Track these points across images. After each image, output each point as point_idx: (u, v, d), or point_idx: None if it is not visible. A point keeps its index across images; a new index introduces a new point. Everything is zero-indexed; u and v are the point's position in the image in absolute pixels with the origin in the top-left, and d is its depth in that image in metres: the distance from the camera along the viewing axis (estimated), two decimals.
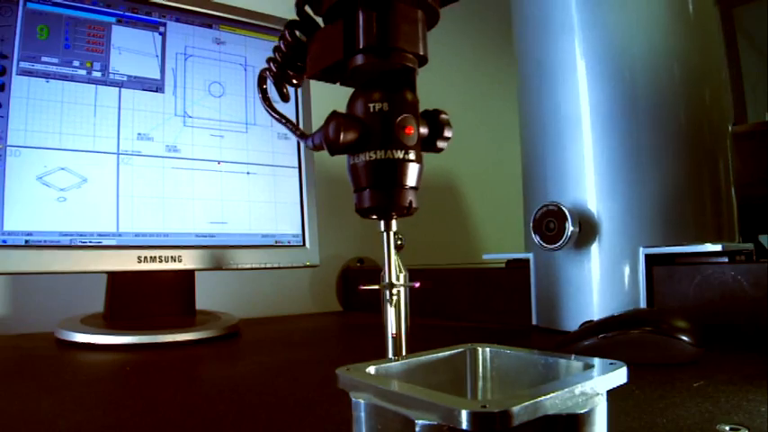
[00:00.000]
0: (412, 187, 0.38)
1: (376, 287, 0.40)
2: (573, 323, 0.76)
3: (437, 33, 0.40)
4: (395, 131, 0.37)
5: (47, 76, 0.74)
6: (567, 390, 0.24)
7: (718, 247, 0.67)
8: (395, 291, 0.39)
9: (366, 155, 0.37)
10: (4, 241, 0.70)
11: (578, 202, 0.76)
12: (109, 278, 0.80)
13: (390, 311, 0.41)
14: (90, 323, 0.76)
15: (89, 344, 0.70)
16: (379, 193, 0.37)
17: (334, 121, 0.37)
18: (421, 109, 0.40)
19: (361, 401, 0.27)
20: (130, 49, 0.80)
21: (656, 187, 0.74)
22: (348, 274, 1.23)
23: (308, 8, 0.41)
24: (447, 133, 0.41)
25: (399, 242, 0.57)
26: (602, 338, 0.55)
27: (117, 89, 0.79)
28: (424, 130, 0.40)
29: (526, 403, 0.22)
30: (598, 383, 0.26)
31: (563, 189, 0.78)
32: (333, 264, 1.22)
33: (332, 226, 1.08)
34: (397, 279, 0.39)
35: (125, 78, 0.79)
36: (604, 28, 0.77)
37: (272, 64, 0.44)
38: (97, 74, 0.78)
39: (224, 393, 0.46)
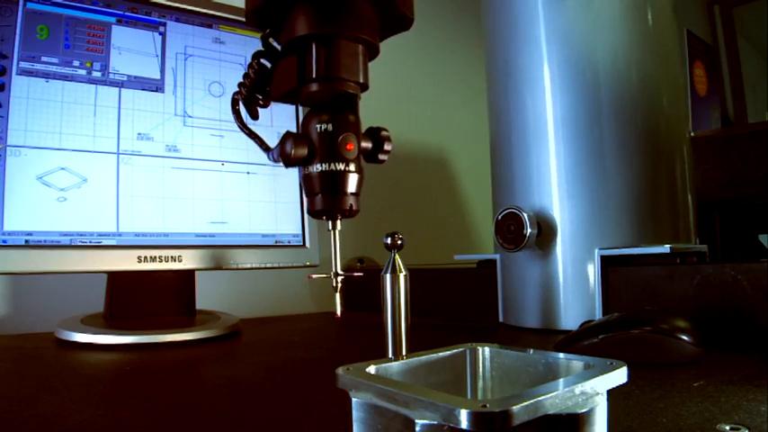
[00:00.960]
0: (353, 193, 0.46)
1: (323, 275, 0.49)
2: (538, 320, 0.80)
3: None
4: (337, 148, 0.45)
5: (47, 75, 0.74)
6: (567, 389, 0.24)
7: (666, 249, 0.71)
8: (339, 279, 0.48)
9: (314, 167, 0.45)
10: (5, 241, 0.70)
11: (542, 205, 0.80)
12: (109, 278, 0.80)
13: (336, 296, 0.50)
14: (90, 323, 0.76)
15: (89, 344, 0.70)
16: (326, 198, 0.45)
17: (288, 140, 0.44)
18: (366, 126, 0.49)
19: (362, 401, 0.27)
20: (130, 48, 0.81)
21: (615, 191, 0.77)
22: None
23: (272, 40, 0.49)
24: (387, 147, 0.49)
25: (399, 242, 0.57)
26: (603, 338, 0.56)
27: (117, 89, 0.79)
28: (366, 145, 0.48)
29: (526, 403, 0.22)
30: (598, 383, 0.26)
31: (528, 192, 0.82)
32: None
33: None
34: (344, 269, 0.48)
35: (125, 78, 0.79)
36: (569, 39, 0.80)
37: (242, 88, 0.51)
38: (97, 74, 0.78)
39: (224, 393, 0.46)
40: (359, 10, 0.45)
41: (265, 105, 0.51)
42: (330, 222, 0.47)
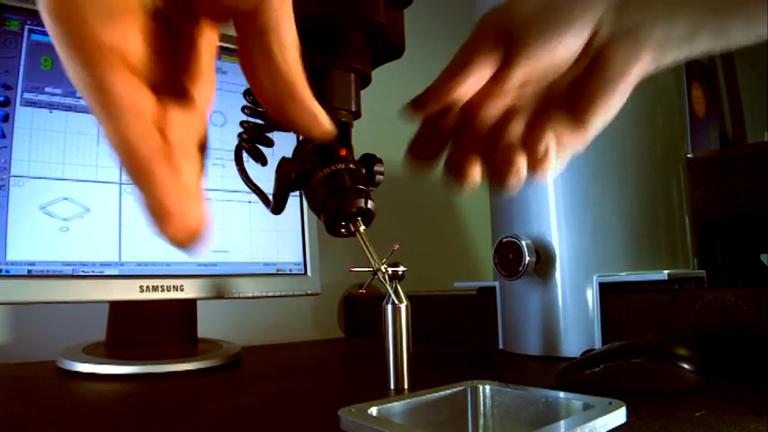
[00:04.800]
0: (362, 189, 0.45)
1: (365, 269, 0.50)
2: (539, 348, 0.80)
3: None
4: (332, 153, 0.45)
5: (50, 106, 0.75)
6: None
7: (663, 276, 0.71)
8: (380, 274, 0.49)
9: (317, 176, 0.44)
10: (7, 271, 0.70)
11: (540, 232, 0.79)
12: (111, 307, 0.80)
13: (388, 287, 0.50)
14: (92, 352, 0.76)
15: (91, 373, 0.70)
16: (336, 198, 0.44)
17: (284, 164, 0.45)
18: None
19: None
20: None
21: (612, 217, 0.77)
22: (349, 301, 1.23)
23: None
24: (378, 168, 0.49)
25: (401, 272, 0.57)
26: (604, 367, 0.55)
27: None
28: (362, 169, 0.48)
29: None
30: (597, 424, 0.26)
31: (526, 220, 0.82)
32: (334, 290, 1.22)
33: (333, 253, 1.08)
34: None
35: None
36: None
37: (243, 135, 0.51)
38: None
39: (226, 426, 0.46)
40: (350, 40, 0.46)
41: (270, 144, 0.52)
42: (351, 225, 0.46)
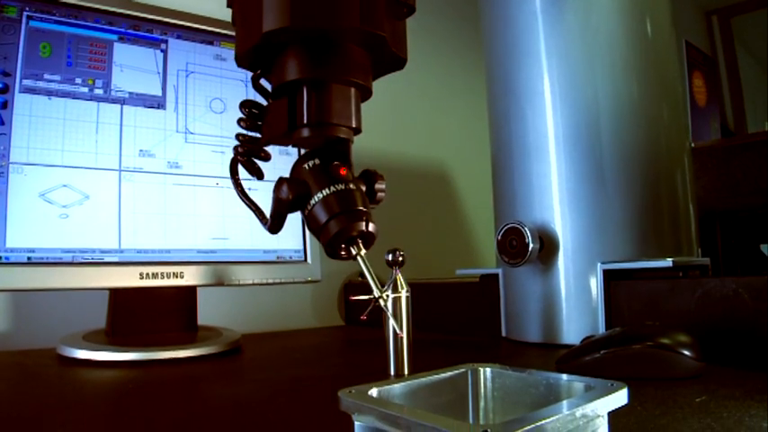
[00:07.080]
0: (363, 210, 0.43)
1: (366, 297, 0.46)
2: (540, 335, 0.79)
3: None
4: (331, 173, 0.43)
5: (49, 93, 0.75)
6: (567, 413, 0.24)
7: (668, 263, 0.70)
8: (382, 301, 0.46)
9: (314, 199, 0.43)
10: (7, 258, 0.70)
11: (544, 219, 0.79)
12: (111, 294, 0.80)
13: (390, 319, 0.49)
14: (92, 339, 0.76)
15: (91, 360, 0.70)
16: (337, 220, 0.42)
17: (282, 185, 0.44)
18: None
19: (364, 425, 0.27)
20: (132, 66, 0.81)
21: (616, 204, 0.77)
22: (350, 289, 1.23)
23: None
24: (380, 186, 0.48)
25: (401, 259, 0.57)
26: (604, 354, 0.56)
27: (119, 106, 0.79)
28: (361, 187, 0.46)
29: (527, 427, 0.22)
30: (599, 405, 0.26)
31: (529, 207, 0.82)
32: (334, 278, 1.22)
33: None
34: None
35: (127, 95, 0.80)
36: (568, 53, 0.80)
37: (239, 148, 0.50)
38: (99, 91, 0.78)
39: (226, 413, 0.46)
40: (350, 53, 0.44)
41: (267, 159, 0.50)
42: (352, 248, 0.44)
